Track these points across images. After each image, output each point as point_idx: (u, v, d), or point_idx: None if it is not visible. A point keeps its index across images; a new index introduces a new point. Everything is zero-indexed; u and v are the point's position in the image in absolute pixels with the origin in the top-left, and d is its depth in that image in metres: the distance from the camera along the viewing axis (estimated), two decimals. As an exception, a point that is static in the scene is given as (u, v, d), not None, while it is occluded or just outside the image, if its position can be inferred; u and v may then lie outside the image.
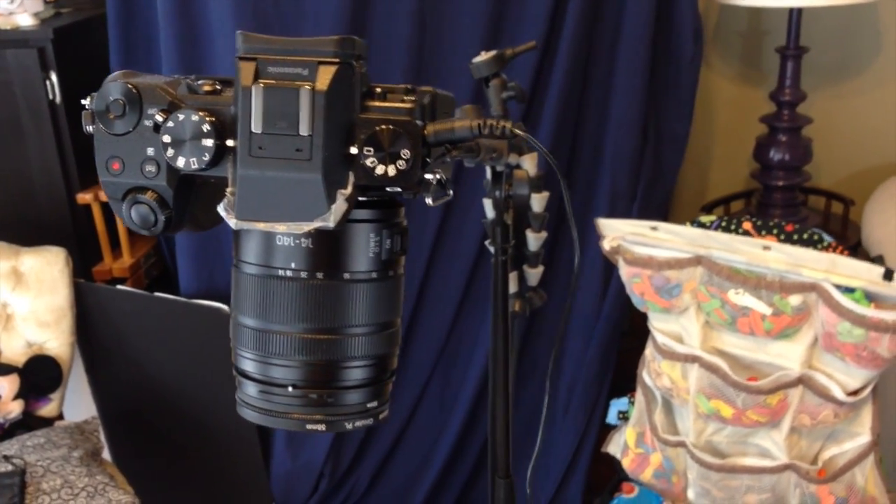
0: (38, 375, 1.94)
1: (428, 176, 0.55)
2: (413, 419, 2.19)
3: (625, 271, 1.68)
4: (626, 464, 1.82)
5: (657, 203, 2.12)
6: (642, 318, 1.76)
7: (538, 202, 1.14)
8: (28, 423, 1.92)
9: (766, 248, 1.56)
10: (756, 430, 1.64)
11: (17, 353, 1.97)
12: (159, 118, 0.54)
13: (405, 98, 0.55)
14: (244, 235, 0.56)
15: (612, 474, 1.99)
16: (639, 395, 1.80)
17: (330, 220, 0.52)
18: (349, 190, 0.53)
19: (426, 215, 1.99)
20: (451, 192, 0.58)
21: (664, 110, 2.07)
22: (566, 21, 1.90)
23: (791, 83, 2.12)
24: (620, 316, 2.08)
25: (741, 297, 1.58)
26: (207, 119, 0.53)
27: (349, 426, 0.58)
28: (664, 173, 2.11)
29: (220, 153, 0.53)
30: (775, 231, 1.74)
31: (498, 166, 1.08)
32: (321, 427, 0.57)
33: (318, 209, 0.52)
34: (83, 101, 0.55)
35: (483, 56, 1.15)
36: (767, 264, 1.54)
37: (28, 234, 2.04)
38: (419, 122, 0.54)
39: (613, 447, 1.88)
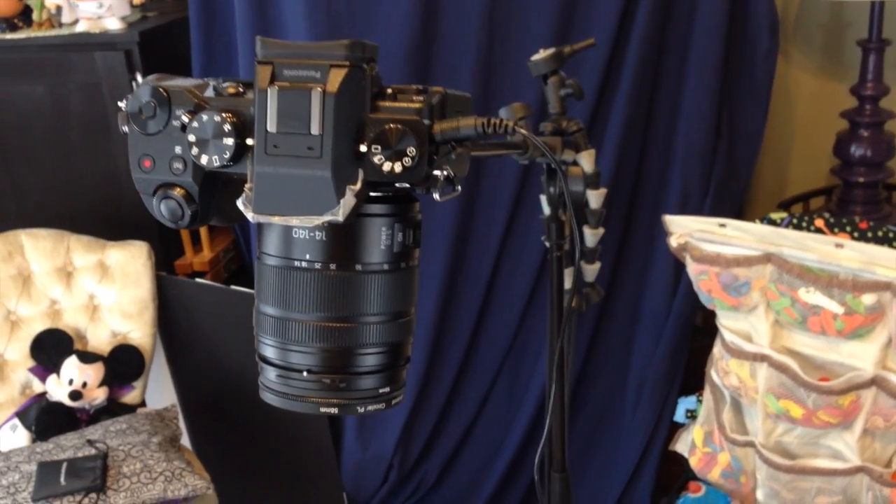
0: (122, 364, 2.03)
1: (436, 172, 0.57)
2: (481, 414, 2.20)
3: (692, 268, 1.66)
4: (694, 463, 1.80)
5: (730, 200, 2.09)
6: (715, 316, 1.74)
7: (595, 198, 1.14)
8: (112, 409, 2.01)
9: (838, 245, 1.52)
10: (827, 431, 1.60)
11: (102, 343, 2.06)
12: (185, 119, 0.57)
13: (414, 98, 0.57)
14: (265, 229, 0.59)
15: (682, 473, 1.97)
16: (707, 394, 1.78)
17: (339, 214, 0.55)
18: (358, 186, 0.55)
19: (493, 213, 2.00)
20: (460, 188, 0.60)
21: (738, 105, 2.04)
22: (637, 16, 1.89)
23: (873, 77, 2.06)
24: (691, 314, 2.06)
25: (812, 296, 1.54)
26: (229, 119, 0.56)
27: (361, 410, 0.61)
28: (738, 169, 2.08)
29: (241, 151, 0.56)
30: (848, 228, 1.70)
31: (552, 163, 1.09)
32: (334, 410, 0.60)
33: (329, 204, 0.55)
34: (119, 104, 0.59)
35: (541, 54, 1.16)
36: (840, 262, 1.51)
37: (114, 229, 2.13)
38: (426, 122, 0.56)
39: (681, 446, 1.86)
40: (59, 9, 2.22)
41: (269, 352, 0.61)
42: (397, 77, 1.88)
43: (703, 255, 1.63)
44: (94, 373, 1.98)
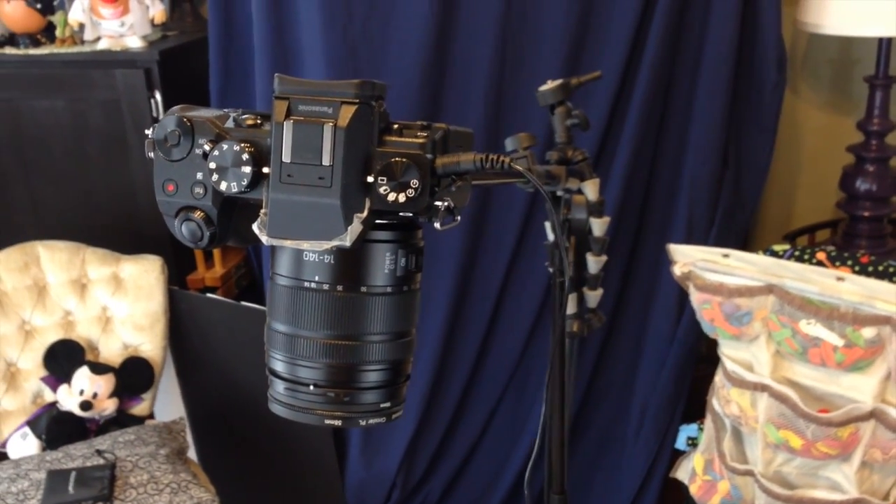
0: (133, 376, 2.06)
1: (437, 203, 0.61)
2: (485, 435, 2.23)
3: (695, 297, 1.69)
4: (694, 490, 1.82)
5: (736, 230, 2.11)
6: (718, 345, 1.76)
7: (598, 226, 1.17)
8: (121, 420, 2.04)
9: (839, 278, 1.54)
10: (826, 462, 1.62)
11: (114, 354, 2.09)
12: (207, 147, 0.61)
13: (419, 134, 0.61)
14: (278, 251, 0.63)
15: (683, 500, 1.98)
16: (708, 422, 1.80)
17: (346, 240, 0.59)
18: (365, 213, 0.59)
19: (501, 237, 2.03)
20: (459, 217, 0.63)
21: (746, 137, 2.07)
22: (647, 47, 1.93)
23: (880, 113, 2.09)
24: (695, 341, 2.08)
25: (813, 328, 1.57)
26: (247, 149, 0.60)
27: (363, 423, 0.65)
28: (744, 200, 2.10)
29: (257, 179, 0.61)
30: (850, 262, 1.72)
31: (557, 191, 1.12)
32: (338, 422, 0.64)
33: (337, 230, 0.59)
34: (146, 131, 0.63)
35: (549, 85, 1.20)
36: (841, 295, 1.53)
37: (128, 243, 2.17)
38: (429, 156, 0.60)
39: (682, 473, 1.88)
40: (81, 26, 2.27)
41: (279, 366, 0.65)
42: (410, 101, 1.92)
43: (707, 285, 1.66)
44: (104, 384, 2.01)
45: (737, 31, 1.93)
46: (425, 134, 0.61)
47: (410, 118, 1.99)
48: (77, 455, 1.88)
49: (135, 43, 2.24)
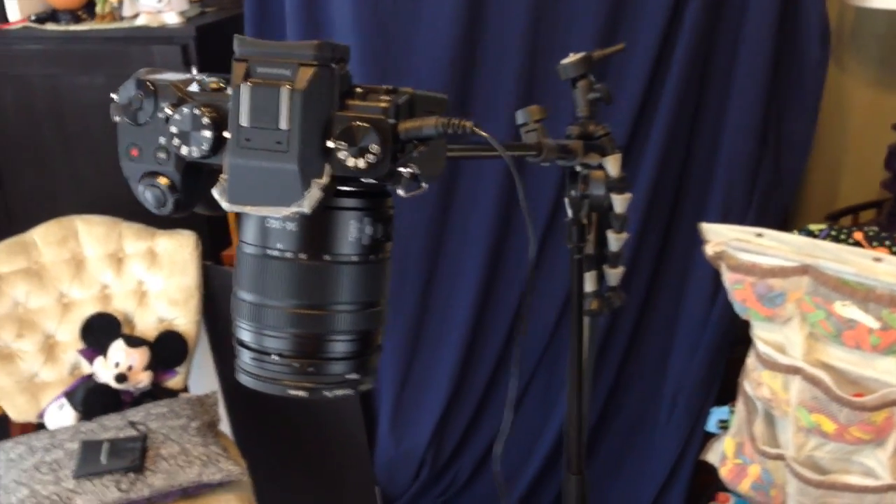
0: (167, 349, 2.09)
1: (401, 169, 0.59)
2: (516, 414, 2.21)
3: (727, 277, 1.65)
4: (724, 473, 1.79)
5: (775, 210, 2.06)
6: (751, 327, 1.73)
7: (620, 203, 1.14)
8: (155, 393, 2.07)
9: (877, 259, 1.50)
10: (859, 447, 1.58)
11: (149, 328, 2.12)
12: (169, 111, 0.60)
13: (382, 98, 0.59)
14: (244, 218, 0.62)
15: (715, 483, 1.95)
16: (739, 405, 1.76)
17: (305, 206, 0.57)
18: (325, 180, 0.57)
19: (534, 216, 2.01)
20: (426, 185, 0.61)
21: (786, 115, 2.01)
22: (685, 21, 1.88)
23: (928, 89, 2.02)
24: (729, 323, 2.04)
25: (848, 310, 1.52)
26: (207, 113, 0.59)
27: (329, 394, 0.64)
28: (784, 180, 2.05)
29: (218, 144, 0.59)
30: (888, 243, 1.67)
31: (576, 167, 1.10)
32: (303, 393, 0.63)
33: (295, 195, 0.57)
34: (112, 95, 0.63)
35: (571, 58, 1.17)
36: (877, 276, 1.49)
37: (164, 218, 2.19)
38: (391, 121, 0.58)
39: (712, 456, 1.85)
40: (120, 2, 2.30)
41: (245, 335, 0.64)
42: (440, 80, 1.91)
43: (739, 265, 1.62)
44: (139, 357, 2.04)
45: (779, 6, 1.88)
46: (388, 98, 0.59)
47: (440, 91, 1.96)
48: (111, 426, 1.91)
49: (172, 19, 2.26)
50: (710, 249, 1.67)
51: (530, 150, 0.89)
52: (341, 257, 0.62)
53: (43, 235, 2.12)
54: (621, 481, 2.24)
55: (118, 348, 2.03)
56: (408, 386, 2.16)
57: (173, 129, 0.60)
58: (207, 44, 2.23)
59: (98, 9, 2.34)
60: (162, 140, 0.62)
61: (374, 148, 0.57)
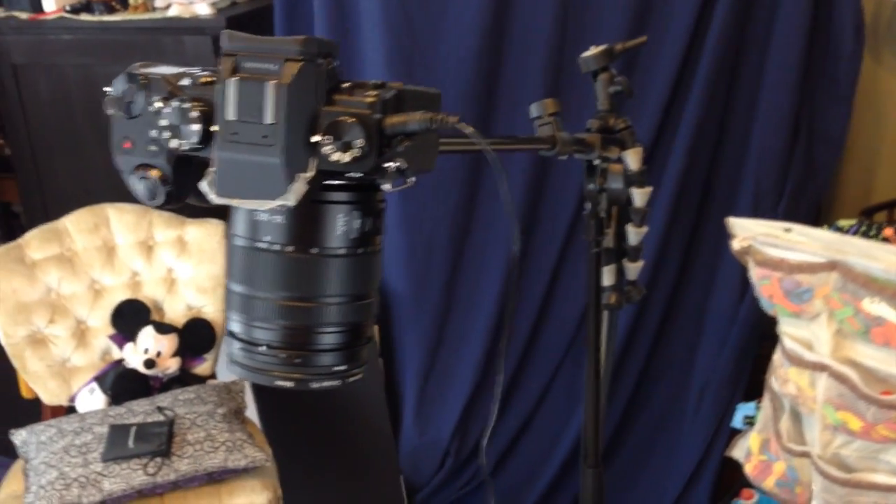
0: (195, 336, 2.11)
1: (387, 164, 0.59)
2: (540, 408, 2.21)
3: (754, 273, 1.64)
4: (749, 470, 1.77)
5: (807, 204, 2.03)
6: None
7: (640, 197, 1.13)
8: (184, 379, 2.09)
9: (907, 255, 1.47)
10: (887, 446, 1.56)
11: (178, 315, 2.15)
12: (159, 105, 0.61)
13: (368, 93, 0.59)
14: (234, 211, 0.63)
15: (740, 479, 1.94)
16: (766, 401, 1.75)
17: (289, 199, 0.57)
18: (310, 173, 0.57)
19: (559, 209, 2.00)
20: (413, 179, 0.61)
21: (819, 107, 1.98)
22: (716, 12, 1.86)
23: (967, 82, 1.98)
24: (758, 319, 2.02)
25: (876, 307, 1.50)
26: (196, 107, 0.59)
27: (315, 385, 0.64)
28: (816, 173, 2.02)
29: (207, 137, 0.60)
30: (919, 239, 1.64)
31: (594, 160, 1.09)
32: (289, 384, 0.63)
33: (280, 189, 0.57)
34: (105, 89, 0.63)
35: (592, 50, 1.16)
36: (907, 273, 1.46)
37: (193, 207, 2.21)
38: (377, 116, 0.58)
39: (738, 452, 1.83)
40: (153, -7, 2.32)
41: (236, 326, 0.65)
42: (467, 71, 1.90)
43: (766, 260, 1.60)
44: (168, 343, 2.07)
45: (812, -2, 1.85)
46: (375, 93, 0.59)
47: (467, 89, 1.97)
48: (139, 411, 1.94)
49: (204, 10, 2.27)
50: (736, 244, 1.65)
51: (544, 144, 0.89)
52: (329, 250, 0.62)
53: (75, 223, 2.15)
54: (647, 475, 2.22)
55: (147, 334, 2.06)
56: (432, 376, 2.16)
57: (163, 123, 0.61)
58: (238, 34, 2.24)
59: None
60: (153, 133, 0.63)
61: (359, 142, 0.57)
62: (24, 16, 2.38)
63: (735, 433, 1.89)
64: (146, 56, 2.28)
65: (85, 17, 2.33)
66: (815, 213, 2.12)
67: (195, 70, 0.64)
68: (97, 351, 2.14)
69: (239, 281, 0.64)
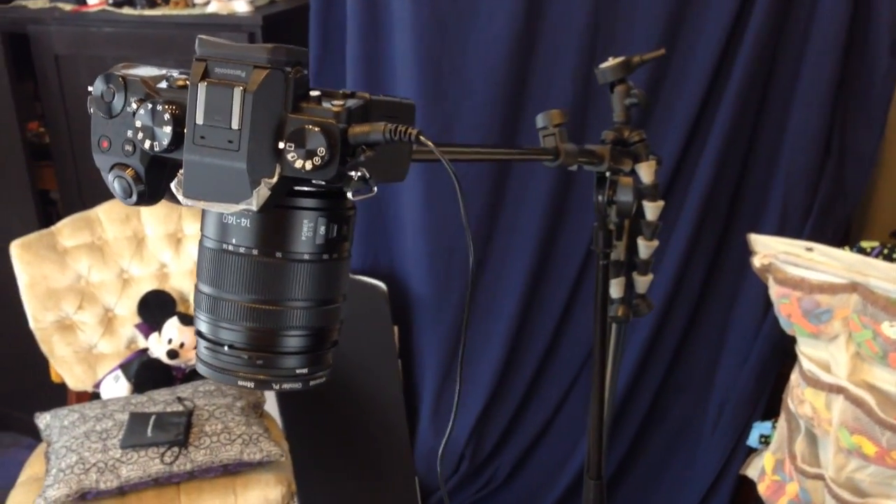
0: (219, 329, 2.14)
1: (351, 173, 0.60)
2: (558, 415, 2.21)
3: (774, 291, 1.62)
4: (762, 489, 1.76)
5: (835, 223, 2.00)
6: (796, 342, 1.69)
7: (651, 210, 1.13)
8: (205, 371, 2.12)
9: (930, 280, 1.45)
10: (902, 473, 1.53)
11: (203, 308, 2.18)
12: (135, 106, 0.62)
13: (334, 103, 0.60)
14: (205, 214, 0.64)
15: (757, 498, 1.92)
16: (781, 421, 1.73)
17: (253, 204, 0.58)
18: (274, 179, 0.59)
19: (583, 218, 2.00)
20: (376, 189, 0.62)
21: (851, 125, 1.95)
22: (750, 24, 1.84)
23: None
24: (781, 337, 1.99)
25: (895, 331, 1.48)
26: (169, 110, 0.61)
27: (276, 387, 0.65)
28: (845, 192, 1.99)
29: (179, 139, 0.61)
30: (943, 264, 1.60)
31: (607, 172, 1.09)
32: (250, 384, 0.65)
33: (244, 193, 0.59)
34: (89, 88, 0.65)
35: (609, 62, 1.16)
36: (929, 298, 1.44)
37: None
38: (342, 125, 0.59)
39: (752, 471, 1.82)
40: (194, -11, 2.36)
41: (203, 326, 0.66)
42: (495, 76, 1.91)
43: (787, 279, 1.59)
44: (191, 335, 2.10)
45: (848, 14, 1.82)
46: (341, 103, 0.60)
47: (495, 95, 1.97)
48: (160, 400, 1.98)
49: (242, 7, 2.30)
50: (757, 261, 1.64)
51: (547, 155, 0.89)
52: (294, 255, 0.64)
53: (107, 212, 2.19)
54: (662, 490, 2.21)
55: (172, 325, 2.10)
56: (450, 379, 2.17)
57: (138, 124, 0.63)
58: (274, 33, 2.27)
59: (172, -6, 2.41)
60: (129, 133, 0.65)
61: (321, 151, 0.58)
62: (67, 7, 2.43)
63: (751, 451, 1.88)
64: (184, 51, 2.32)
65: (127, 10, 2.37)
66: (844, 233, 2.09)
67: (174, 73, 0.65)
68: (123, 339, 2.18)
69: (207, 282, 0.66)
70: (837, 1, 1.81)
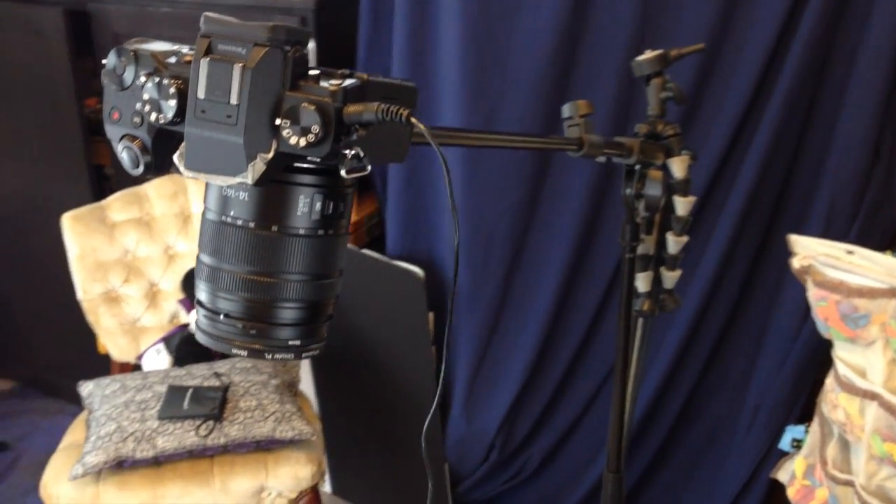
0: (258, 308, 2.17)
1: (345, 151, 0.61)
2: (589, 411, 2.20)
3: (812, 293, 1.60)
4: (791, 494, 1.74)
5: (882, 227, 1.96)
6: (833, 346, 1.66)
7: (682, 206, 1.13)
8: (244, 348, 2.16)
9: (972, 289, 1.42)
10: (935, 485, 1.50)
11: (244, 286, 2.22)
12: (143, 80, 0.64)
13: (332, 82, 0.61)
14: (208, 186, 0.66)
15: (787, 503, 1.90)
16: (814, 426, 1.70)
17: (248, 178, 0.60)
18: (270, 154, 0.60)
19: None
20: (369, 168, 0.63)
21: (903, 129, 1.91)
22: (803, 22, 1.81)
23: None
24: (821, 341, 1.96)
25: (935, 339, 1.45)
26: (175, 84, 0.63)
27: (268, 357, 0.67)
28: (894, 196, 1.95)
29: (183, 113, 0.63)
30: None
31: (636, 165, 1.09)
32: (244, 353, 0.66)
33: (240, 167, 0.61)
34: (103, 61, 0.67)
35: (646, 55, 1.15)
36: (971, 308, 1.41)
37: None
38: (337, 104, 0.60)
39: (782, 474, 1.80)
40: (249, -28, 2.39)
41: (202, 295, 0.68)
42: (540, 66, 1.90)
43: (825, 281, 1.56)
44: (231, 313, 2.13)
45: (907, 11, 1.78)
46: (338, 82, 0.62)
47: (539, 86, 1.97)
48: (198, 374, 2.02)
49: (295, -9, 2.32)
50: (796, 262, 1.62)
51: (571, 145, 0.89)
52: (290, 229, 0.65)
53: (156, 189, 2.24)
54: (692, 490, 2.19)
55: (214, 302, 2.13)
56: (483, 368, 2.18)
57: (145, 96, 0.65)
58: (326, 16, 2.29)
59: (227, -23, 2.44)
60: (138, 106, 0.67)
61: (316, 128, 0.60)
62: (127, -13, 2.49)
63: (783, 455, 1.85)
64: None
65: (183, -8, 2.42)
66: (891, 238, 2.04)
67: (185, 49, 0.67)
68: (166, 313, 2.23)
69: (208, 252, 0.68)
70: (894, 2, 1.77)
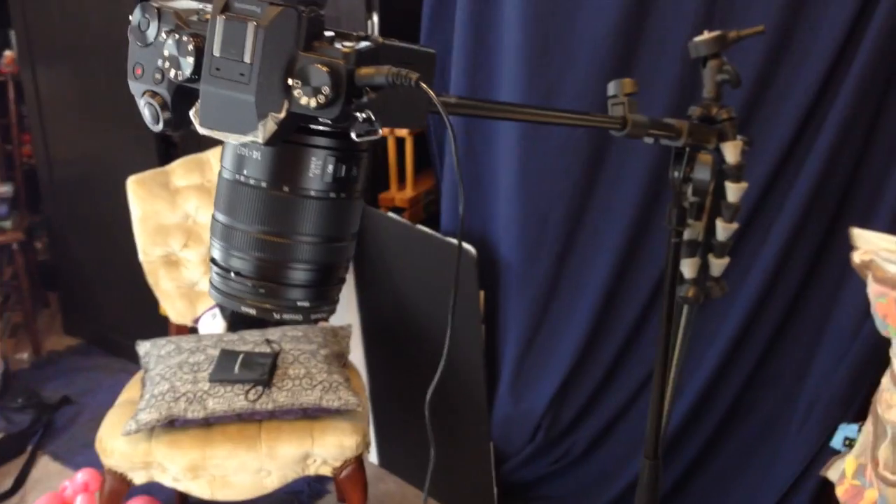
0: (313, 279, 2.20)
1: (357, 113, 0.60)
2: (638, 398, 2.18)
3: (871, 289, 1.55)
4: (840, 493, 1.69)
5: (952, 224, 1.89)
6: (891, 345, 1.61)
7: (733, 192, 1.10)
8: (296, 317, 2.19)
9: None
10: None
11: (300, 256, 2.24)
12: (165, 37, 0.65)
13: (345, 44, 0.60)
14: (224, 145, 0.66)
15: (831, 502, 1.85)
16: (867, 425, 1.66)
17: (259, 136, 0.60)
18: (282, 114, 0.60)
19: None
20: (381, 131, 0.63)
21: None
22: (878, 7, 1.74)
23: None
24: (883, 339, 1.90)
25: None
26: (193, 41, 0.63)
27: (277, 316, 0.67)
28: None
29: (199, 70, 0.63)
30: None
31: (685, 147, 1.06)
32: (252, 311, 0.67)
33: (251, 125, 0.61)
34: (129, 17, 0.68)
35: (704, 36, 1.13)
36: None
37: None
38: (349, 67, 0.59)
39: (832, 473, 1.75)
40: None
41: (216, 253, 0.69)
42: (603, 52, 1.87)
43: (886, 277, 1.51)
44: (287, 281, 2.16)
45: None
46: (352, 44, 0.61)
47: (600, 68, 1.94)
48: (249, 340, 2.05)
49: (360, -36, 2.33)
50: (857, 257, 1.57)
51: (614, 123, 0.88)
52: (302, 191, 0.66)
53: (218, 156, 2.27)
54: (741, 484, 2.15)
55: (269, 270, 2.17)
56: (533, 348, 2.17)
57: (166, 53, 0.66)
58: (390, -10, 2.30)
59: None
60: (159, 62, 0.67)
61: (326, 89, 0.59)
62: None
63: (835, 453, 1.81)
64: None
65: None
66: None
67: (208, 7, 0.68)
68: (223, 279, 2.27)
69: (223, 211, 0.68)
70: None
